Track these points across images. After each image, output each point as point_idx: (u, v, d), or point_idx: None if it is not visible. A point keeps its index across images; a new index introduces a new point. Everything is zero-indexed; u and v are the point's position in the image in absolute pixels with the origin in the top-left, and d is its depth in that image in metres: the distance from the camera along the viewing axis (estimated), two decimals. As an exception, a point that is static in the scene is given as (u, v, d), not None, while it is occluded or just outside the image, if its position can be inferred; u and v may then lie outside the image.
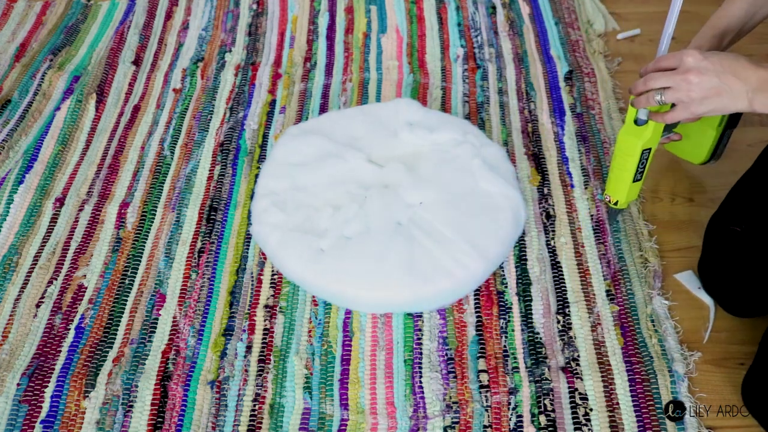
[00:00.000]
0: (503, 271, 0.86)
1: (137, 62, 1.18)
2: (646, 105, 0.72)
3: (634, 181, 0.77)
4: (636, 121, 0.72)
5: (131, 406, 0.76)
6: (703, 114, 0.70)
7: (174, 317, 0.83)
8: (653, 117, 0.73)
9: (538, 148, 1.01)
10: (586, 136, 1.02)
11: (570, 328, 0.81)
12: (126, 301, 0.85)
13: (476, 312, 0.83)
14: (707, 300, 0.82)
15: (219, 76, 1.15)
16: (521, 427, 0.73)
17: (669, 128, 0.76)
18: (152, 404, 0.76)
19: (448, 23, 1.22)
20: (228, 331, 0.82)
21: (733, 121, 0.79)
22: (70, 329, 0.83)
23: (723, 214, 0.80)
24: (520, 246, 0.89)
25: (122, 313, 0.84)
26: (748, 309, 0.79)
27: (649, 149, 0.74)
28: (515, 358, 0.79)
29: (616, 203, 0.81)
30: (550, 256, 0.88)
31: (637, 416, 0.74)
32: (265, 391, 0.77)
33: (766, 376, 0.70)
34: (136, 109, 1.10)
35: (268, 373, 0.78)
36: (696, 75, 0.68)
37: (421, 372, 0.78)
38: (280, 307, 0.84)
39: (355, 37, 1.20)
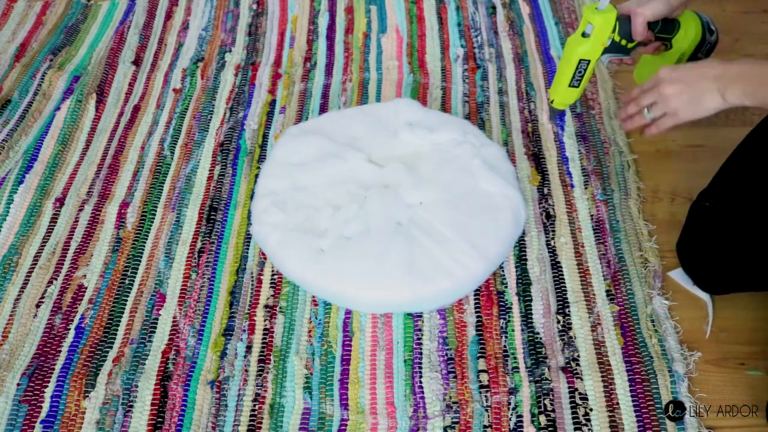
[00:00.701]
0: (503, 271, 0.87)
1: (137, 62, 1.18)
2: (640, 123, 0.81)
3: (570, 86, 0.84)
4: (583, 33, 0.80)
5: (131, 406, 0.76)
6: (691, 119, 0.76)
7: (174, 317, 0.84)
8: (648, 131, 0.81)
9: (538, 148, 1.01)
10: (586, 136, 1.02)
11: (570, 328, 0.81)
12: (126, 301, 0.85)
13: (476, 312, 0.83)
14: (703, 295, 0.82)
15: (219, 76, 1.15)
16: (521, 427, 0.73)
17: (619, 50, 0.82)
18: (152, 404, 0.76)
19: (448, 23, 1.22)
20: (228, 331, 0.82)
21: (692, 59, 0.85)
22: (70, 329, 0.83)
23: (701, 194, 0.84)
24: (520, 246, 0.89)
25: (122, 313, 0.84)
26: (722, 285, 0.80)
27: (588, 61, 0.81)
28: (515, 358, 0.79)
29: (552, 102, 0.88)
30: (550, 256, 0.88)
31: (637, 416, 0.74)
32: (265, 391, 0.77)
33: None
34: (136, 109, 1.10)
35: (268, 373, 0.78)
36: (668, 87, 0.76)
37: (421, 372, 0.78)
38: (280, 307, 0.84)
39: (355, 37, 1.20)
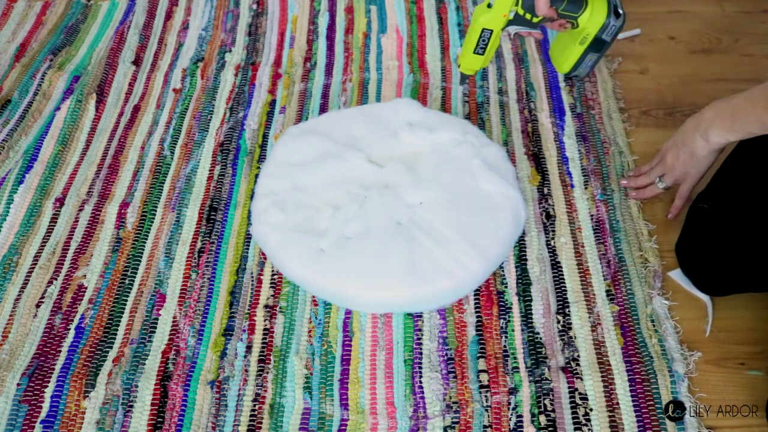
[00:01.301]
0: (503, 271, 0.87)
1: (137, 62, 1.18)
2: (652, 193, 0.89)
3: (474, 53, 0.86)
4: (489, 4, 0.83)
5: (131, 406, 0.76)
6: (700, 174, 0.84)
7: (174, 317, 0.84)
8: (675, 209, 0.89)
9: (538, 148, 1.01)
10: (586, 136, 1.02)
11: (570, 328, 0.81)
12: (126, 301, 0.85)
13: (476, 312, 0.83)
14: (703, 297, 0.82)
15: (219, 76, 1.15)
16: (521, 427, 0.73)
17: (524, 23, 0.84)
18: (152, 404, 0.76)
19: (448, 23, 1.22)
20: (228, 331, 0.82)
21: (596, 46, 0.86)
22: (70, 329, 0.83)
23: (698, 196, 0.85)
24: (520, 246, 0.89)
25: (122, 313, 0.84)
26: (721, 287, 0.80)
27: (490, 30, 0.84)
28: (515, 358, 0.79)
29: (459, 66, 0.90)
30: (550, 256, 0.88)
31: (637, 416, 0.74)
32: (265, 391, 0.77)
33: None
34: (136, 109, 1.10)
35: (268, 373, 0.78)
36: (668, 155, 0.86)
37: (421, 372, 0.78)
38: (280, 307, 0.84)
39: (355, 37, 1.20)
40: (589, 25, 0.85)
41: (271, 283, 0.87)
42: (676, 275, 0.85)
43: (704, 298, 0.82)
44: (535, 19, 0.84)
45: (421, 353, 0.79)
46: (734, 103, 0.75)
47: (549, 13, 0.83)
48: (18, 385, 0.77)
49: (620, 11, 0.85)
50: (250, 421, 0.75)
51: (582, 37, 0.86)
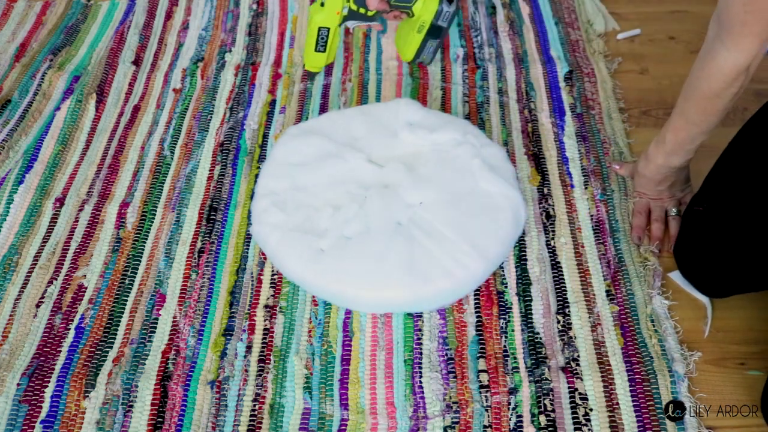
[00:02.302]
0: (503, 271, 0.86)
1: (137, 62, 1.18)
2: (660, 234, 0.88)
3: (316, 51, 0.91)
4: (321, 3, 0.87)
5: (131, 406, 0.76)
6: (683, 194, 0.90)
7: (174, 317, 0.83)
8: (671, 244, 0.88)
9: (538, 148, 1.01)
10: (586, 136, 1.02)
11: (570, 328, 0.81)
12: (126, 301, 0.85)
13: (476, 312, 0.83)
14: (702, 298, 0.82)
15: (219, 76, 1.15)
16: (521, 427, 0.73)
17: (362, 18, 0.88)
18: (152, 404, 0.76)
19: (448, 23, 1.22)
20: (228, 331, 0.82)
21: (434, 32, 0.90)
22: (70, 329, 0.83)
23: (693, 198, 0.85)
24: (520, 246, 0.89)
25: (122, 313, 0.84)
26: (720, 288, 0.80)
27: (327, 28, 0.88)
28: (515, 358, 0.79)
29: (305, 65, 0.97)
30: (550, 256, 0.88)
31: (637, 416, 0.74)
32: (265, 391, 0.77)
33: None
34: (136, 109, 1.10)
35: (268, 373, 0.78)
36: (651, 199, 0.90)
37: (421, 372, 0.78)
38: (280, 307, 0.84)
39: (355, 37, 1.20)
40: (423, 13, 0.89)
41: (271, 283, 0.87)
42: (676, 276, 0.85)
43: (704, 299, 0.82)
44: (369, 13, 0.87)
45: (421, 353, 0.79)
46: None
47: (381, 6, 0.87)
48: (18, 385, 0.77)
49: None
50: (250, 421, 0.75)
51: (419, 25, 0.91)
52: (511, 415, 0.74)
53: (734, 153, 0.80)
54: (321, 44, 0.91)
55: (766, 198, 0.74)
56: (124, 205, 0.95)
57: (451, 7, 0.91)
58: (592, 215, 0.92)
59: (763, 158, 0.76)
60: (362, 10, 0.89)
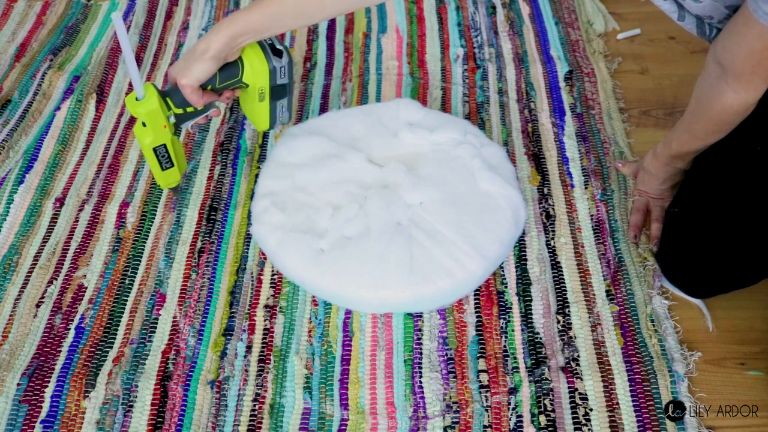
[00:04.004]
0: (503, 271, 0.86)
1: (137, 62, 1.18)
2: (658, 232, 0.87)
3: (164, 170, 0.83)
4: (143, 123, 0.78)
5: (131, 406, 0.76)
6: (673, 188, 0.89)
7: (174, 317, 0.83)
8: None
9: (538, 148, 1.01)
10: (586, 136, 1.02)
11: (570, 328, 0.81)
12: (126, 301, 0.85)
13: (476, 312, 0.83)
14: (695, 299, 0.82)
15: (219, 76, 1.14)
16: (521, 427, 0.73)
17: (195, 114, 0.81)
18: (152, 404, 0.76)
19: (448, 23, 1.22)
20: (228, 331, 0.82)
21: (278, 93, 0.83)
22: (70, 329, 0.83)
23: (669, 204, 0.86)
24: (520, 246, 0.89)
25: (122, 313, 0.84)
26: (705, 289, 0.81)
27: (163, 144, 0.80)
28: (515, 358, 0.79)
29: (161, 186, 0.87)
30: (550, 256, 0.88)
31: (637, 416, 0.74)
32: (265, 391, 0.77)
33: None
34: (136, 109, 1.10)
35: (268, 373, 0.78)
36: (650, 199, 0.90)
37: (421, 372, 0.78)
38: (280, 307, 0.84)
39: (355, 37, 1.20)
40: (257, 80, 0.80)
41: (271, 283, 0.87)
42: (667, 281, 0.84)
43: (695, 300, 0.82)
44: (199, 108, 0.79)
45: (421, 353, 0.79)
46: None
47: (207, 98, 0.79)
48: (18, 385, 0.77)
49: (279, 47, 0.80)
50: (250, 421, 0.75)
51: (258, 93, 0.81)
52: (511, 415, 0.74)
53: (707, 154, 0.81)
54: (165, 162, 0.82)
55: (739, 196, 0.75)
56: (124, 205, 0.95)
57: (283, 59, 0.80)
58: (592, 215, 0.92)
59: (734, 156, 0.77)
60: (190, 109, 0.79)
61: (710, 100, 0.71)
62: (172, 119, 0.79)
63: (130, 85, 1.14)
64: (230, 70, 0.79)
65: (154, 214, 0.94)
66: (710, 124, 0.74)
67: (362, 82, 1.12)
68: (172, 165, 0.83)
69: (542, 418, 0.74)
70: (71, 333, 0.82)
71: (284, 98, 0.85)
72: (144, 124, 0.78)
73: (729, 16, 0.66)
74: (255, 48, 0.79)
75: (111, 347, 0.81)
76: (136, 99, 0.77)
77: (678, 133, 0.81)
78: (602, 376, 0.77)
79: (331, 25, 1.23)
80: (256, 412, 0.75)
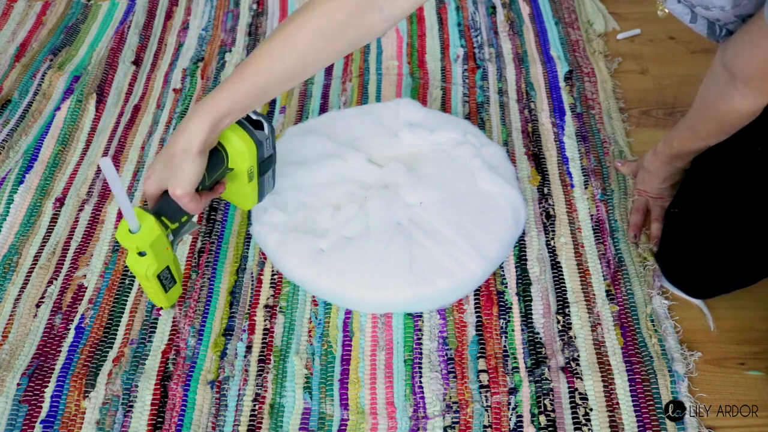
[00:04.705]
0: (503, 271, 0.86)
1: (137, 62, 1.18)
2: (658, 232, 0.87)
3: (167, 292, 0.75)
4: (141, 253, 0.68)
5: (131, 406, 0.76)
6: (673, 188, 0.89)
7: (174, 317, 0.83)
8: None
9: (538, 148, 1.01)
10: (586, 136, 1.02)
11: (570, 328, 0.81)
12: (126, 301, 0.85)
13: (476, 312, 0.83)
14: (695, 300, 0.82)
15: (219, 76, 1.15)
16: (521, 427, 0.73)
17: (186, 227, 0.73)
18: (152, 404, 0.76)
19: (448, 23, 1.22)
20: (228, 331, 0.82)
21: (265, 165, 0.75)
22: (70, 329, 0.83)
23: (669, 205, 0.86)
24: (520, 246, 0.89)
25: (122, 313, 0.84)
26: (705, 289, 0.81)
27: (166, 267, 0.72)
28: (515, 358, 0.79)
29: (164, 307, 0.80)
30: (550, 256, 0.88)
31: (637, 416, 0.74)
32: (265, 391, 0.77)
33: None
34: (136, 109, 1.10)
35: (268, 373, 0.78)
36: (650, 198, 0.90)
37: (421, 372, 0.78)
38: (280, 307, 0.84)
39: (355, 37, 1.20)
40: (243, 160, 0.71)
41: (271, 283, 0.87)
42: (667, 282, 0.84)
43: (696, 300, 0.82)
44: (193, 216, 0.72)
45: (421, 353, 0.79)
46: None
47: (205, 200, 0.71)
48: (18, 385, 0.77)
49: (255, 118, 0.73)
50: (250, 421, 0.75)
51: (248, 173, 0.73)
52: (511, 415, 0.74)
53: (708, 154, 0.81)
54: (169, 282, 0.74)
55: (739, 196, 0.75)
56: (124, 205, 0.95)
57: (265, 131, 0.72)
58: (592, 215, 0.92)
59: (735, 156, 0.77)
60: (184, 218, 0.71)
61: (716, 102, 0.71)
62: (170, 236, 0.71)
63: (131, 84, 1.14)
64: (215, 160, 0.70)
65: (154, 214, 0.94)
66: (714, 125, 0.74)
67: (362, 82, 1.12)
68: (175, 282, 0.76)
69: (542, 418, 0.74)
70: (71, 333, 0.82)
71: (271, 168, 0.77)
72: (142, 254, 0.69)
73: (740, 21, 0.66)
74: (233, 127, 0.71)
75: (111, 347, 0.81)
76: (130, 231, 0.68)
77: (680, 132, 0.81)
78: (602, 376, 0.77)
79: (331, 25, 1.23)
80: (256, 412, 0.75)
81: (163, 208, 0.69)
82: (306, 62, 0.69)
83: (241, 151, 0.71)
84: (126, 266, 0.89)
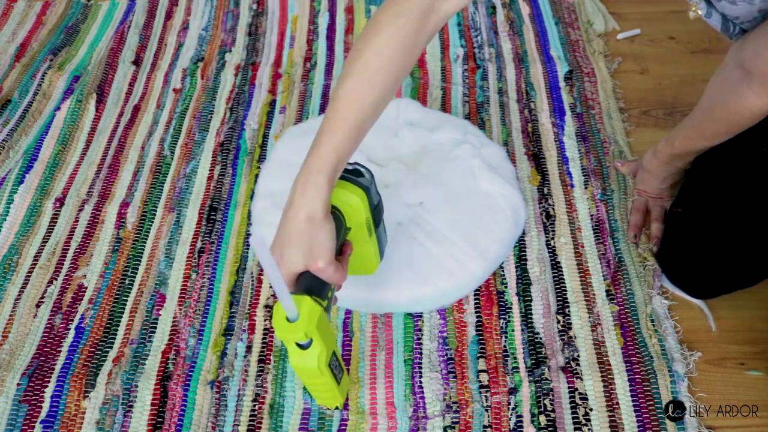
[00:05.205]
0: (503, 271, 0.86)
1: (137, 62, 1.18)
2: (658, 233, 0.87)
3: (339, 384, 0.68)
4: (301, 346, 0.62)
5: (131, 406, 0.76)
6: (672, 188, 0.89)
7: (174, 317, 0.83)
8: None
9: (538, 148, 1.01)
10: (586, 136, 1.02)
11: (570, 328, 0.81)
12: (126, 301, 0.85)
13: (476, 312, 0.83)
14: (696, 300, 0.82)
15: (219, 76, 1.15)
16: (521, 427, 0.73)
17: (330, 305, 0.66)
18: (152, 404, 0.76)
19: (447, 23, 1.22)
20: (228, 331, 0.82)
21: (377, 216, 0.71)
22: (70, 329, 0.83)
23: (672, 204, 0.86)
24: (520, 246, 0.89)
25: (122, 313, 0.84)
26: (706, 289, 0.81)
27: (332, 351, 0.65)
28: (515, 358, 0.79)
29: (336, 408, 0.73)
30: (550, 256, 0.88)
31: (637, 416, 0.74)
32: (265, 391, 0.77)
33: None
34: (136, 109, 1.10)
35: (268, 373, 0.78)
36: (650, 198, 0.90)
37: (421, 372, 0.78)
38: (280, 307, 0.84)
39: (355, 36, 1.20)
40: (359, 214, 0.67)
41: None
42: (667, 282, 0.84)
43: (697, 300, 0.82)
44: (336, 286, 0.66)
45: (421, 353, 0.79)
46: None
47: (344, 266, 0.66)
48: (18, 385, 0.77)
49: (352, 167, 0.68)
50: (250, 421, 0.75)
51: (366, 227, 0.68)
52: (511, 415, 0.74)
53: (710, 154, 0.80)
54: (339, 372, 0.67)
55: (741, 197, 0.75)
56: (124, 205, 0.95)
57: (367, 176, 0.68)
58: (592, 215, 0.92)
59: (738, 157, 0.77)
60: (330, 293, 0.64)
61: (727, 101, 0.70)
62: (328, 316, 0.64)
63: (131, 84, 1.14)
64: (338, 222, 0.64)
65: (154, 214, 0.94)
66: (722, 125, 0.74)
67: (362, 82, 1.12)
68: (342, 369, 0.68)
69: (542, 418, 0.74)
70: (71, 333, 0.82)
71: (382, 217, 0.71)
72: (303, 347, 0.61)
73: (759, 19, 0.65)
74: (344, 185, 0.66)
75: (111, 347, 0.81)
76: (288, 320, 0.60)
77: (683, 131, 0.80)
78: (602, 376, 0.77)
79: (331, 25, 1.23)
80: (255, 412, 0.75)
81: (311, 287, 0.62)
82: (392, 85, 0.67)
83: (354, 204, 0.66)
84: (126, 266, 0.88)
